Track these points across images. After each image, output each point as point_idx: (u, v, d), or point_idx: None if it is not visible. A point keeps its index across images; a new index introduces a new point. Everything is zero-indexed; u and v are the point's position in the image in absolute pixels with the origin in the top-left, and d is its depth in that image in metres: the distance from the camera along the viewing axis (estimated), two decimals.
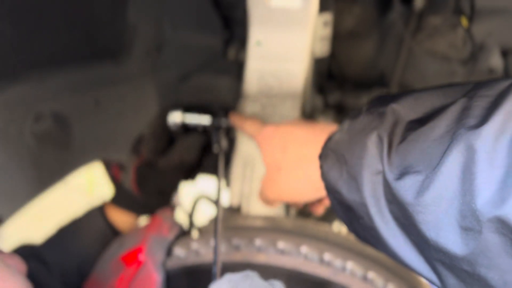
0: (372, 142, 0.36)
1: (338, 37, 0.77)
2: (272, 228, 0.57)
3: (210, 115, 0.65)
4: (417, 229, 0.31)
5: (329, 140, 0.44)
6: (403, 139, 0.34)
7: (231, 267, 0.51)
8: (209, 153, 0.71)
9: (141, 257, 0.52)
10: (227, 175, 0.67)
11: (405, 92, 0.38)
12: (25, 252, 0.58)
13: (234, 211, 0.65)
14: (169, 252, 0.55)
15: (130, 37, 0.85)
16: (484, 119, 0.28)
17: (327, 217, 0.75)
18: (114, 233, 0.65)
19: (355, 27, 0.80)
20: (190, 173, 0.71)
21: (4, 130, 0.69)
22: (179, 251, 0.54)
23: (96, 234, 0.62)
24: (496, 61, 0.78)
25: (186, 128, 0.67)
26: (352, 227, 0.41)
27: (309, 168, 0.47)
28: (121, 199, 0.66)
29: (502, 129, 0.27)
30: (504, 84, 0.29)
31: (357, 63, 0.85)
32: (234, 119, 0.59)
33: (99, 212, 0.65)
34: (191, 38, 0.89)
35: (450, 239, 0.29)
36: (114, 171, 0.67)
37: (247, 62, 0.61)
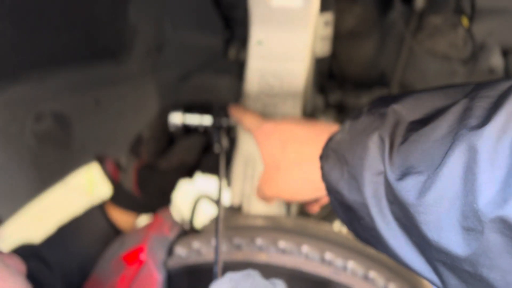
0: (373, 143, 0.36)
1: (339, 37, 0.77)
2: (273, 228, 0.57)
3: (211, 115, 0.65)
4: (418, 230, 0.31)
5: (330, 140, 0.44)
6: (405, 139, 0.34)
7: (232, 267, 0.51)
8: (209, 153, 0.71)
9: (142, 256, 0.52)
10: (228, 175, 0.67)
11: (406, 92, 0.38)
12: (25, 251, 0.58)
13: (235, 210, 0.65)
14: (170, 252, 0.55)
15: (130, 37, 0.85)
16: (485, 120, 0.28)
17: (328, 216, 0.75)
18: (115, 231, 0.65)
19: (356, 27, 0.80)
20: (190, 173, 0.71)
21: (5, 130, 0.69)
22: (180, 250, 0.54)
23: (97, 233, 0.62)
24: (496, 61, 0.78)
25: (186, 129, 0.67)
26: (352, 228, 0.41)
27: (309, 168, 0.47)
28: (120, 198, 0.66)
29: (503, 130, 0.27)
30: (505, 85, 0.29)
31: (357, 62, 0.85)
32: (234, 111, 0.59)
33: (99, 210, 0.64)
34: (192, 38, 0.89)
35: (452, 240, 0.29)
36: (109, 167, 0.67)
37: (248, 61, 0.61)
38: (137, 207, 0.67)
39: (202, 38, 0.89)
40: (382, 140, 0.35)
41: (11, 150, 0.71)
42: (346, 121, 0.42)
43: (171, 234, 0.57)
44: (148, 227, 0.58)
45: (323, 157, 0.43)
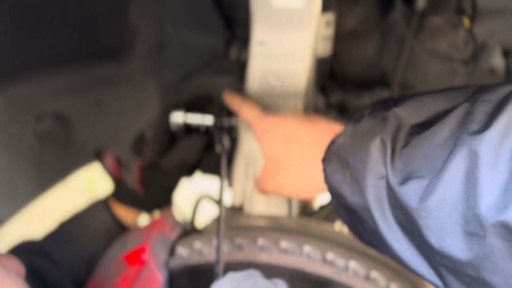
0: (375, 147, 0.36)
1: (340, 37, 0.77)
2: (274, 228, 0.57)
3: (212, 115, 0.65)
4: (420, 234, 0.31)
5: (332, 143, 0.44)
6: (406, 143, 0.34)
7: (234, 267, 0.51)
8: (211, 153, 0.71)
9: (144, 256, 0.52)
10: (229, 175, 0.67)
11: (407, 96, 0.38)
12: (29, 248, 0.58)
13: (236, 210, 0.65)
14: (172, 252, 0.55)
15: (131, 37, 0.85)
16: (487, 124, 0.28)
17: (330, 216, 0.75)
18: (119, 227, 0.65)
19: (357, 27, 0.80)
20: (192, 172, 0.71)
21: (6, 130, 0.69)
22: (182, 250, 0.54)
23: (102, 228, 0.62)
24: (497, 61, 0.78)
25: (188, 128, 0.67)
26: (355, 231, 0.41)
27: (312, 168, 0.47)
28: (122, 195, 0.66)
29: (505, 134, 0.27)
30: (507, 89, 0.29)
31: (358, 63, 0.86)
32: (230, 101, 0.57)
33: (103, 205, 0.64)
34: (192, 38, 0.89)
35: (454, 244, 0.29)
36: (108, 161, 0.67)
37: (250, 61, 0.61)
38: (139, 204, 0.67)
39: (203, 38, 0.89)
40: (384, 144, 0.35)
41: (12, 150, 0.71)
42: (348, 124, 0.42)
43: (173, 234, 0.57)
44: (149, 227, 0.58)
45: (325, 160, 0.43)
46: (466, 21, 0.77)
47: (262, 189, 0.55)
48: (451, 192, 0.29)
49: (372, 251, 0.55)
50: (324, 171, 0.43)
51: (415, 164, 0.32)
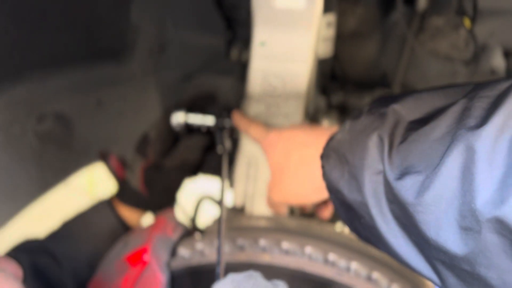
0: (373, 143, 0.36)
1: (341, 38, 0.77)
2: (276, 229, 0.57)
3: (214, 116, 0.65)
4: (417, 229, 0.32)
5: (330, 140, 0.44)
6: (404, 139, 0.34)
7: (235, 267, 0.51)
8: (212, 153, 0.71)
9: (146, 257, 0.52)
10: (230, 176, 0.67)
11: (406, 92, 0.38)
12: (32, 246, 0.58)
13: (238, 211, 0.65)
14: (173, 253, 0.55)
15: (132, 37, 0.85)
16: (484, 120, 0.28)
17: (331, 217, 0.75)
18: (123, 227, 0.65)
19: (358, 28, 0.80)
20: (194, 172, 0.71)
21: (7, 131, 0.69)
22: (183, 251, 0.54)
23: (105, 227, 0.62)
24: (498, 62, 0.78)
25: (189, 128, 0.67)
26: (353, 227, 0.42)
27: (311, 168, 0.47)
28: (126, 195, 0.66)
29: (502, 130, 0.27)
30: (504, 85, 0.30)
31: (359, 63, 0.86)
32: (238, 122, 0.60)
33: (107, 205, 0.65)
34: (193, 38, 0.89)
35: (450, 239, 0.29)
36: (113, 163, 0.67)
37: (251, 62, 0.61)
38: (143, 205, 0.67)
39: (203, 39, 0.89)
40: (381, 140, 0.36)
41: (13, 151, 0.71)
42: (346, 121, 0.43)
43: (175, 235, 0.57)
44: (151, 228, 0.58)
45: (324, 157, 0.43)
46: (467, 22, 0.77)
47: (271, 202, 0.55)
48: (448, 187, 0.29)
49: (374, 252, 0.55)
50: (323, 167, 0.43)
51: (412, 159, 0.32)
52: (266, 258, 0.52)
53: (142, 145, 0.67)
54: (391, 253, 0.36)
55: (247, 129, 0.57)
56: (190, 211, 0.68)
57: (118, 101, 0.87)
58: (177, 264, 0.53)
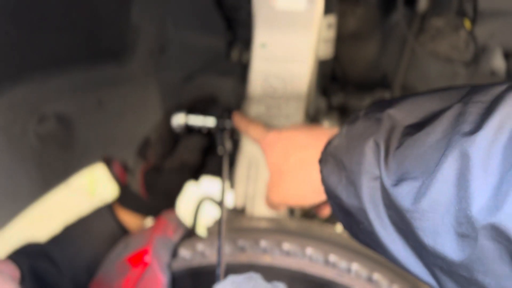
0: (369, 148, 0.36)
1: (341, 39, 0.77)
2: (277, 230, 0.57)
3: (214, 117, 0.65)
4: (415, 235, 0.32)
5: (328, 144, 0.44)
6: (400, 144, 0.34)
7: (236, 269, 0.51)
8: (213, 154, 0.71)
9: (147, 258, 0.52)
10: (231, 177, 0.67)
11: (402, 97, 0.38)
12: (32, 250, 0.58)
13: (238, 212, 0.65)
14: (174, 254, 0.55)
15: (133, 38, 0.85)
16: (478, 126, 0.28)
17: (332, 218, 0.75)
18: (123, 232, 0.65)
19: (358, 29, 0.80)
20: (195, 174, 0.71)
21: (8, 131, 0.69)
22: (184, 252, 0.55)
23: (106, 233, 0.62)
24: (498, 63, 0.78)
25: (190, 130, 0.67)
26: (352, 232, 0.42)
27: (310, 171, 0.47)
28: (127, 200, 0.66)
29: (496, 136, 0.27)
30: (498, 89, 0.30)
31: (359, 64, 0.86)
32: (238, 123, 0.60)
33: (108, 210, 0.65)
34: (194, 39, 0.89)
35: (447, 246, 0.29)
36: (116, 169, 0.67)
37: (252, 63, 0.61)
38: (144, 209, 0.67)
39: (204, 39, 0.89)
40: (377, 145, 0.36)
41: (14, 151, 0.71)
42: (343, 125, 0.43)
43: (175, 236, 0.57)
44: (152, 229, 0.59)
45: (322, 161, 0.44)
46: (467, 23, 0.77)
47: (270, 202, 0.55)
48: (444, 194, 0.29)
49: (374, 253, 0.55)
50: (321, 172, 0.43)
51: (408, 165, 0.32)
52: (267, 259, 0.52)
53: (144, 149, 0.67)
54: (390, 258, 0.36)
55: (247, 129, 0.57)
56: (191, 212, 0.68)
57: (118, 101, 0.87)
58: (178, 265, 0.54)
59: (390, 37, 0.83)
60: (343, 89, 0.87)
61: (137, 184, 0.65)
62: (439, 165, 0.29)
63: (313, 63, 0.62)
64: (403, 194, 0.32)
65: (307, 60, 0.59)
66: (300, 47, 0.59)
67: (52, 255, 0.57)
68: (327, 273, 0.50)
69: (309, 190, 0.48)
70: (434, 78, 0.82)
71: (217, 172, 0.68)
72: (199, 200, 0.68)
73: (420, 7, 0.77)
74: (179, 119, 0.65)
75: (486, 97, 0.30)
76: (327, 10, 0.65)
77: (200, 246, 0.55)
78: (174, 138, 0.68)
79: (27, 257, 0.53)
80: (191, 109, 0.66)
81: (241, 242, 0.54)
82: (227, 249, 0.53)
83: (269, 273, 0.51)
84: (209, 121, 0.65)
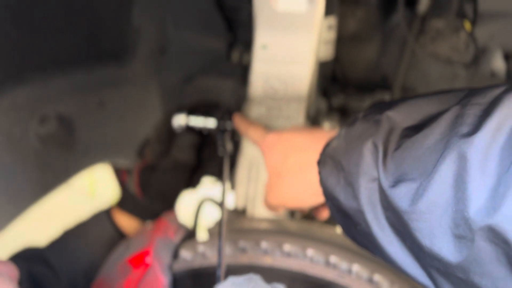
0: (367, 150, 0.36)
1: (341, 40, 0.77)
2: (278, 231, 0.57)
3: (215, 118, 0.65)
4: (412, 236, 0.32)
5: (327, 146, 0.44)
6: (398, 146, 0.34)
7: (237, 270, 0.51)
8: (209, 153, 0.71)
9: (148, 259, 0.52)
10: (232, 178, 0.67)
11: (400, 99, 0.38)
12: (30, 255, 0.58)
13: (239, 213, 0.65)
14: (175, 255, 0.55)
15: (134, 39, 0.85)
16: (476, 128, 0.28)
17: (332, 220, 0.75)
18: (121, 237, 0.65)
19: (358, 30, 0.80)
20: (191, 174, 0.71)
21: (9, 132, 0.69)
22: (185, 253, 0.55)
23: (103, 238, 0.62)
24: (498, 64, 0.79)
25: (191, 131, 0.67)
26: (350, 233, 0.42)
27: (308, 173, 0.47)
28: (127, 203, 0.66)
29: (493, 138, 0.27)
30: (496, 91, 0.30)
31: (359, 65, 0.86)
32: (238, 124, 0.60)
33: (105, 215, 0.64)
34: (195, 40, 0.89)
35: (444, 247, 0.29)
36: (123, 177, 0.68)
37: (253, 65, 0.61)
38: (142, 212, 0.67)
39: (205, 41, 0.89)
40: (376, 147, 0.36)
41: (15, 152, 0.71)
42: (342, 127, 0.43)
43: (176, 237, 0.57)
44: (153, 230, 0.59)
45: (320, 163, 0.44)
46: (467, 25, 0.77)
47: (268, 204, 0.55)
48: (441, 195, 0.29)
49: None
50: (319, 173, 0.43)
51: (406, 167, 0.32)
52: (268, 261, 0.52)
53: (142, 148, 0.67)
54: (387, 260, 0.36)
55: (246, 131, 0.58)
56: (191, 213, 0.68)
57: (119, 102, 0.88)
58: (179, 266, 0.54)
59: (390, 39, 0.83)
60: (344, 90, 0.87)
61: (133, 183, 0.65)
62: (436, 167, 0.30)
63: (314, 64, 0.62)
64: (401, 196, 0.32)
65: (308, 62, 0.60)
66: (301, 49, 0.59)
67: (49, 259, 0.57)
68: (328, 274, 0.51)
69: (307, 192, 0.48)
70: (434, 79, 0.82)
71: (218, 173, 0.68)
72: (200, 201, 0.68)
73: (420, 8, 0.78)
74: (180, 120, 0.65)
75: (484, 99, 0.30)
76: (328, 11, 0.65)
77: (201, 247, 0.55)
78: (173, 138, 0.68)
79: (25, 261, 0.53)
80: (192, 110, 0.66)
81: (242, 243, 0.54)
82: (228, 250, 0.53)
83: (270, 274, 0.51)
84: (209, 122, 0.65)
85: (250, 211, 0.64)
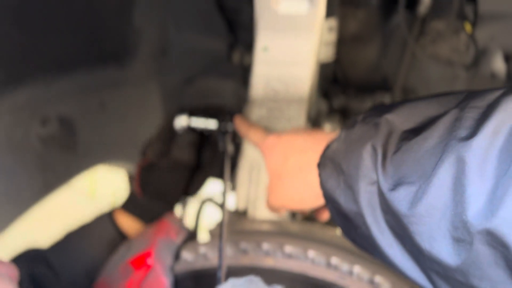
0: (367, 152, 0.36)
1: (342, 41, 0.77)
2: (279, 232, 0.58)
3: (217, 120, 0.65)
4: (411, 240, 0.32)
5: (327, 148, 0.44)
6: (397, 149, 0.34)
7: (238, 271, 0.51)
8: (210, 155, 0.71)
9: (150, 261, 0.53)
10: (233, 179, 0.67)
11: (399, 102, 0.39)
12: (32, 256, 0.58)
13: (240, 215, 0.65)
14: (177, 256, 0.55)
15: (135, 41, 0.85)
16: (474, 131, 0.28)
17: (333, 221, 0.75)
18: (123, 239, 0.65)
19: (359, 31, 0.80)
20: (191, 174, 0.71)
21: (10, 133, 0.69)
22: (187, 255, 0.55)
23: (105, 240, 0.62)
24: (498, 66, 0.79)
25: (192, 131, 0.67)
26: (350, 236, 0.42)
27: (308, 175, 0.47)
28: (130, 205, 0.66)
29: (491, 141, 0.27)
30: (494, 95, 0.30)
31: (360, 67, 0.86)
32: (239, 126, 0.60)
33: (108, 217, 0.64)
34: (196, 42, 0.90)
35: (443, 250, 0.30)
36: (136, 185, 0.68)
37: (254, 67, 0.61)
38: (146, 215, 0.66)
39: (206, 42, 0.89)
40: (375, 150, 0.36)
41: (16, 153, 0.71)
42: (342, 129, 0.43)
43: (178, 239, 0.57)
44: (154, 231, 0.59)
45: (320, 165, 0.44)
46: (467, 26, 0.77)
47: (270, 205, 0.56)
48: (440, 199, 0.29)
49: None
50: (320, 175, 0.43)
51: (405, 170, 0.32)
52: (269, 262, 0.52)
53: (145, 148, 0.67)
54: (387, 262, 0.36)
55: (247, 133, 0.58)
56: (193, 215, 0.68)
57: (120, 103, 0.88)
58: (180, 267, 0.54)
59: (390, 40, 0.83)
60: (344, 91, 0.88)
61: (134, 183, 0.65)
62: (435, 170, 0.30)
63: (315, 66, 0.63)
64: (400, 199, 0.32)
65: (308, 63, 0.60)
66: (302, 50, 0.59)
67: (51, 260, 0.57)
68: (329, 276, 0.51)
69: (307, 193, 0.49)
70: (434, 80, 0.82)
71: (219, 175, 0.68)
72: (201, 202, 0.68)
73: (420, 10, 0.78)
74: (181, 121, 0.66)
75: (482, 102, 0.30)
76: (328, 13, 0.65)
77: (202, 249, 0.55)
78: (174, 138, 0.68)
79: (26, 262, 0.54)
80: (193, 111, 0.66)
81: (243, 245, 0.54)
82: (229, 251, 0.53)
83: (271, 275, 0.51)
84: (211, 124, 0.65)
85: (251, 212, 0.64)
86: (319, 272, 0.51)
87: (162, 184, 0.66)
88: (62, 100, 0.77)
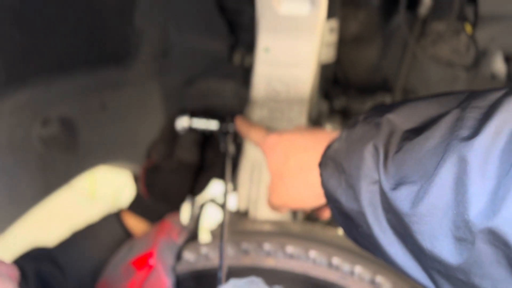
0: (368, 152, 0.37)
1: (343, 42, 0.77)
2: (280, 233, 0.58)
3: (218, 120, 0.65)
4: (413, 239, 0.32)
5: (328, 148, 0.44)
6: (399, 149, 0.34)
7: (240, 271, 0.51)
8: (213, 155, 0.71)
9: (152, 261, 0.53)
10: (234, 180, 0.67)
11: (401, 102, 0.39)
12: (38, 254, 0.58)
13: (241, 215, 0.65)
14: (178, 256, 0.55)
15: (136, 42, 0.86)
16: (476, 131, 0.29)
17: (334, 221, 0.75)
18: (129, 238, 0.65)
19: (360, 32, 0.80)
20: (195, 174, 0.71)
21: (11, 134, 0.69)
22: (188, 255, 0.55)
23: (112, 240, 0.62)
24: (499, 67, 0.79)
25: (194, 131, 0.67)
26: (351, 235, 0.42)
27: (309, 174, 0.47)
28: (137, 206, 0.66)
29: (493, 141, 0.27)
30: (496, 95, 0.30)
31: (361, 68, 0.86)
32: (240, 126, 0.60)
33: (115, 217, 0.65)
34: (197, 43, 0.90)
35: (445, 249, 0.30)
36: (143, 187, 0.68)
37: (255, 68, 0.61)
38: (150, 214, 0.67)
39: (207, 43, 0.89)
40: (376, 149, 0.36)
41: (17, 154, 0.71)
42: (343, 129, 0.43)
43: (180, 239, 0.57)
44: (156, 232, 0.59)
45: (321, 165, 0.44)
46: (468, 27, 0.77)
47: (271, 204, 0.56)
48: (442, 198, 0.29)
49: None
50: (321, 175, 0.43)
51: (407, 169, 0.32)
52: (270, 262, 0.52)
53: (149, 150, 0.68)
54: (388, 261, 0.37)
55: (248, 133, 0.58)
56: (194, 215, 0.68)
57: (122, 105, 0.88)
58: (182, 268, 0.54)
59: (391, 41, 0.83)
60: (345, 92, 0.88)
61: (140, 184, 0.65)
62: (437, 170, 0.30)
63: (316, 67, 0.63)
64: (402, 198, 0.32)
65: (310, 64, 0.60)
66: (304, 52, 0.59)
67: (57, 259, 0.57)
68: (330, 276, 0.51)
69: (308, 193, 0.49)
70: (435, 81, 0.83)
71: (220, 175, 0.68)
72: (202, 203, 0.68)
73: (421, 11, 0.78)
74: (183, 122, 0.66)
75: (484, 102, 0.30)
76: (330, 14, 0.65)
77: (204, 249, 0.55)
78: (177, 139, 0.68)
79: (33, 260, 0.54)
80: (195, 112, 0.67)
81: (245, 245, 0.54)
82: (230, 252, 0.53)
83: (273, 276, 0.51)
84: (212, 124, 0.65)
85: (252, 213, 0.64)
86: (320, 272, 0.51)
87: (167, 185, 0.66)
88: (62, 100, 0.77)
